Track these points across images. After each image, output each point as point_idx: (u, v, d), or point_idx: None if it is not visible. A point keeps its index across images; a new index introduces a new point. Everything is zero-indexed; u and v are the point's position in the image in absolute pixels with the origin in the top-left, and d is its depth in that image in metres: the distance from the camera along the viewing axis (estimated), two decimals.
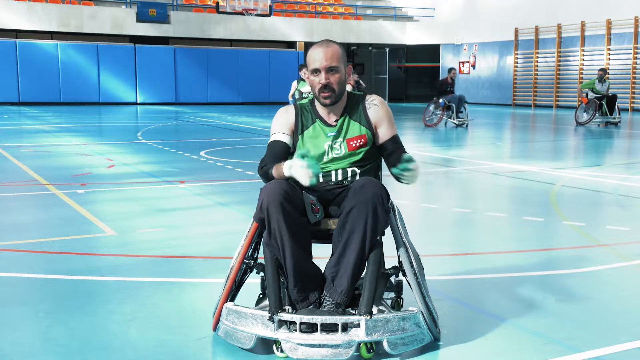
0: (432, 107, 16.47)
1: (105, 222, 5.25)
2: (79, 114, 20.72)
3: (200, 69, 27.99)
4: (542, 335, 2.94)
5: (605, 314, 3.23)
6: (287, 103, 2.86)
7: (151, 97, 27.31)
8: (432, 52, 32.42)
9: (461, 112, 16.30)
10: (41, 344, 2.84)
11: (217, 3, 25.43)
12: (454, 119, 16.13)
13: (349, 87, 17.01)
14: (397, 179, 2.85)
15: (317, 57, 2.91)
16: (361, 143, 2.98)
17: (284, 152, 2.97)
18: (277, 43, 29.78)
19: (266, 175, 2.92)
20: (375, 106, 3.03)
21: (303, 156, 2.71)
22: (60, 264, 4.11)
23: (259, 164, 2.99)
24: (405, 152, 2.96)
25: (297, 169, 2.71)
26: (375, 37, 31.23)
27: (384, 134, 3.00)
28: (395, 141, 3.01)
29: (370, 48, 32.99)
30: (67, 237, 4.79)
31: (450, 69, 16.56)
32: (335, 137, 2.99)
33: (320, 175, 2.97)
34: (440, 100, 16.11)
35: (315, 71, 2.92)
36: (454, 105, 16.11)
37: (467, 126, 16.09)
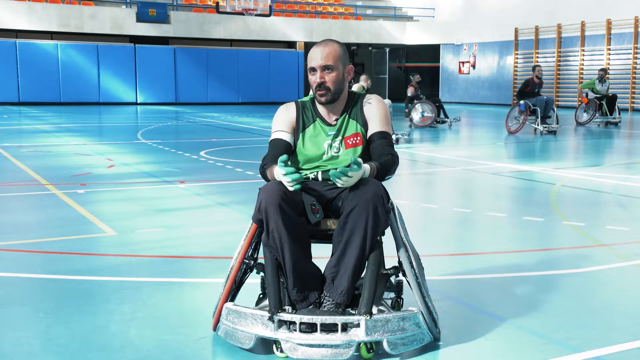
0: (515, 112, 14.38)
1: (105, 222, 5.25)
2: (79, 114, 20.72)
3: (200, 69, 28.00)
4: (542, 335, 2.94)
5: (605, 314, 3.23)
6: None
7: (151, 97, 27.31)
8: (432, 52, 32.42)
9: (549, 116, 14.27)
10: (41, 344, 2.84)
11: (217, 3, 25.42)
12: (538, 125, 14.15)
13: (410, 91, 16.26)
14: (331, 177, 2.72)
15: (314, 56, 2.94)
16: (356, 141, 2.98)
17: (285, 150, 2.97)
18: (277, 43, 29.78)
19: (264, 176, 2.94)
20: (370, 104, 3.03)
21: (284, 162, 2.72)
22: (60, 264, 4.11)
23: (261, 161, 3.00)
24: (391, 151, 2.92)
25: (281, 178, 2.74)
26: (375, 37, 31.23)
27: (371, 128, 2.99)
28: (381, 136, 2.96)
29: (370, 48, 33.00)
30: (67, 237, 4.79)
31: (535, 67, 14.51)
32: (335, 136, 3.00)
33: (319, 174, 2.98)
34: (521, 103, 14.12)
35: (312, 70, 2.95)
36: (538, 109, 14.18)
37: (555, 133, 14.10)
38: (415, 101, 15.99)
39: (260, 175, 3.00)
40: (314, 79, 2.94)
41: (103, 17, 25.94)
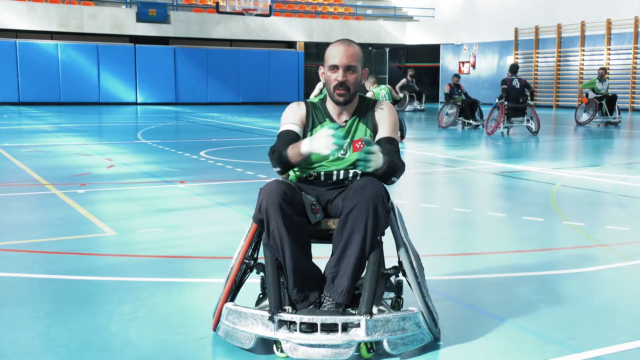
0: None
1: (105, 222, 5.25)
2: (79, 114, 20.72)
3: (200, 69, 27.99)
4: (542, 335, 2.94)
5: (606, 314, 3.23)
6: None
7: (151, 97, 27.31)
8: (432, 52, 32.42)
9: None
10: (41, 344, 2.84)
11: (217, 3, 25.43)
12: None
13: (447, 89, 16.37)
14: (361, 165, 2.72)
15: (337, 54, 2.91)
16: (363, 145, 2.97)
17: (296, 140, 2.94)
18: (277, 43, 29.78)
19: (279, 157, 2.89)
20: (382, 110, 3.04)
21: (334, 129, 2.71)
22: (60, 264, 4.11)
23: (269, 150, 2.97)
24: (398, 157, 2.92)
25: (321, 137, 2.71)
26: (375, 37, 31.24)
27: (380, 133, 3.00)
28: (389, 141, 2.97)
29: (370, 48, 33.00)
30: (67, 237, 4.79)
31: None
32: (343, 137, 2.98)
33: (322, 174, 2.97)
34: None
35: (334, 67, 2.92)
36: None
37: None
38: (445, 101, 16.15)
39: (270, 160, 2.96)
40: (335, 76, 2.91)
41: (103, 17, 25.95)
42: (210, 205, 6.21)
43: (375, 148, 2.73)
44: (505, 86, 14.31)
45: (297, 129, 2.99)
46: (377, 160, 2.74)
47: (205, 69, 28.10)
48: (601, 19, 24.54)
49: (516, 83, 14.26)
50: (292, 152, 2.84)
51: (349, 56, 2.90)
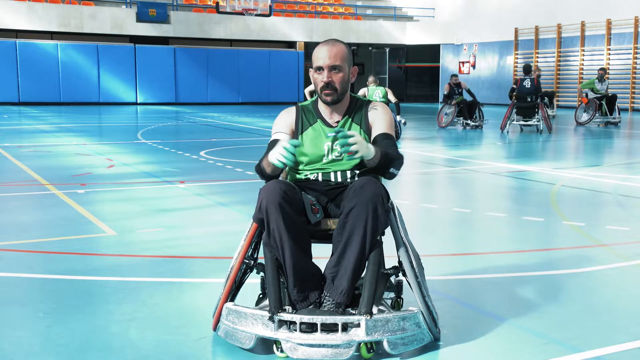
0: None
1: (105, 222, 5.25)
2: (79, 114, 20.72)
3: (200, 69, 28.00)
4: (542, 335, 2.94)
5: (605, 314, 3.23)
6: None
7: (151, 97, 27.31)
8: (432, 52, 32.42)
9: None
10: (41, 344, 2.84)
11: (217, 3, 25.43)
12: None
13: (446, 90, 16.72)
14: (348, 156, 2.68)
15: (321, 55, 2.92)
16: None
17: None
18: (277, 43, 29.78)
19: (259, 170, 2.93)
20: (375, 110, 3.03)
21: (294, 146, 2.69)
22: (60, 264, 4.11)
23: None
24: (395, 150, 2.91)
25: (279, 147, 2.70)
26: (375, 37, 31.24)
27: (375, 130, 2.99)
28: (385, 137, 2.95)
29: (370, 48, 32.99)
30: (67, 237, 4.79)
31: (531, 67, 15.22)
32: (336, 138, 2.98)
33: (320, 175, 2.97)
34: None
35: (319, 69, 2.93)
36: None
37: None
38: (443, 101, 16.47)
39: (257, 174, 2.99)
40: (321, 78, 2.92)
41: (103, 17, 25.95)
42: (210, 205, 6.21)
43: (357, 136, 2.66)
44: (514, 86, 14.99)
45: (284, 137, 2.99)
46: (362, 146, 2.65)
47: (205, 69, 28.11)
48: (601, 19, 24.55)
49: (527, 83, 14.54)
50: (265, 162, 2.87)
51: (332, 56, 2.90)
